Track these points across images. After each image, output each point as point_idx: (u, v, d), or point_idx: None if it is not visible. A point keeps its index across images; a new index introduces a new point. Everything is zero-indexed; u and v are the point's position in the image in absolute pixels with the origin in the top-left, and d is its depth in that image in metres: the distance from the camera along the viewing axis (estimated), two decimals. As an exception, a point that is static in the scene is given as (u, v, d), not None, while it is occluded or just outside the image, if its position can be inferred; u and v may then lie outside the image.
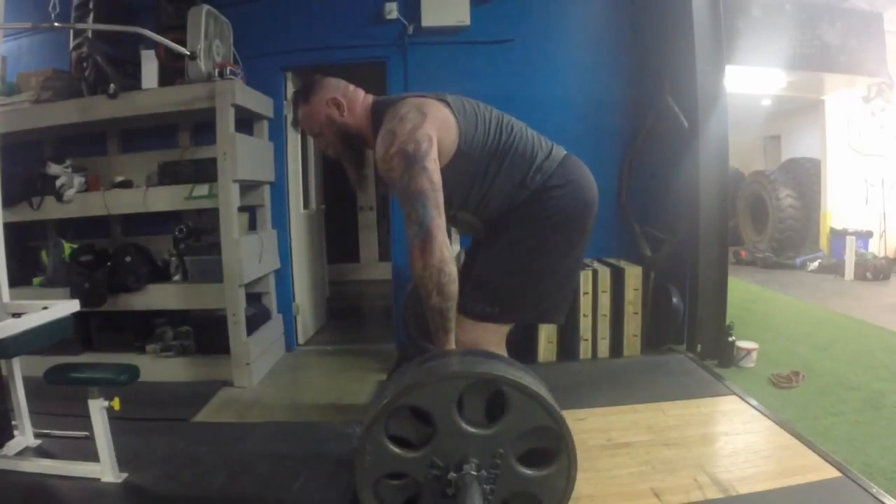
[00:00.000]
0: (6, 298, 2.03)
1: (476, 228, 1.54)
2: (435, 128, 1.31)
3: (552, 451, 1.13)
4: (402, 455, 1.09)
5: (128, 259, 2.89)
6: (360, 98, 1.49)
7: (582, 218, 1.47)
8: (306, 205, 3.84)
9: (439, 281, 1.21)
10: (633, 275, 3.04)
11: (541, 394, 1.09)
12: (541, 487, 1.13)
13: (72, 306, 2.00)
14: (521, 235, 1.44)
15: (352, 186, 1.59)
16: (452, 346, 1.27)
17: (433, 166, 1.27)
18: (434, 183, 1.26)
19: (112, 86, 2.78)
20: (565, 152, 1.51)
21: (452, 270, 1.23)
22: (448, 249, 1.23)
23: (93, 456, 1.85)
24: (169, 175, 2.98)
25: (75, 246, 2.96)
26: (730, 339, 2.94)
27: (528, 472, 1.12)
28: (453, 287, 1.23)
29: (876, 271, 5.22)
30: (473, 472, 1.06)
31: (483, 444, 1.08)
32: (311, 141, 3.96)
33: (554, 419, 1.10)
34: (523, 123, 1.52)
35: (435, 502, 1.10)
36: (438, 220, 1.23)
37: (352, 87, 1.51)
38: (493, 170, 1.41)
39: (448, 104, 1.39)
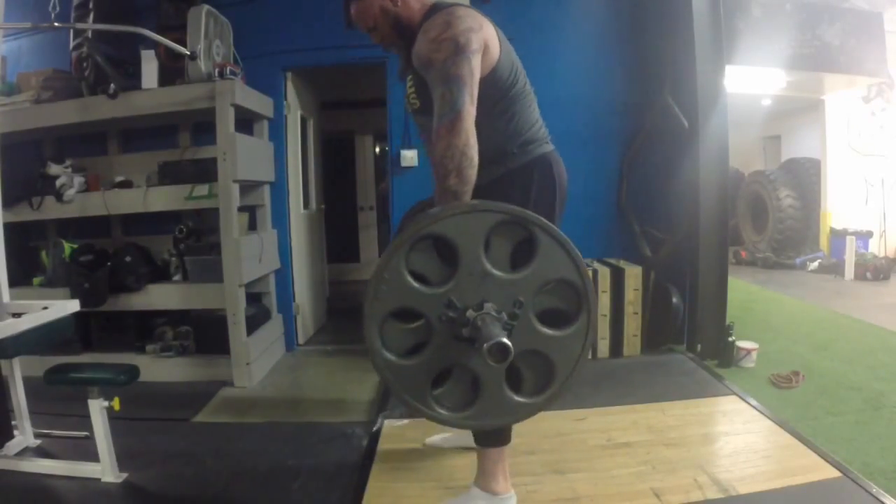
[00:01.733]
0: (6, 298, 2.03)
1: None
2: (484, 40, 1.33)
3: (571, 314, 1.10)
4: (419, 289, 1.05)
5: (128, 259, 2.89)
6: None
7: (550, 208, 1.46)
8: (306, 205, 3.84)
9: (460, 163, 1.20)
10: (633, 275, 3.04)
11: (572, 246, 1.07)
12: (555, 348, 1.10)
13: (72, 306, 2.00)
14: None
15: (399, 76, 1.57)
16: None
17: (477, 63, 1.29)
18: (474, 76, 1.27)
19: (112, 86, 2.78)
20: (553, 149, 1.52)
21: (474, 156, 1.22)
22: (474, 136, 1.23)
23: (93, 456, 1.85)
24: (169, 175, 2.98)
25: (75, 246, 2.96)
26: (730, 339, 2.93)
27: (545, 329, 1.09)
28: (472, 172, 1.22)
29: (876, 271, 5.22)
30: (494, 313, 1.03)
31: (505, 289, 1.05)
32: (310, 141, 3.97)
33: (579, 273, 1.07)
34: (536, 102, 1.54)
35: (445, 346, 1.07)
36: (470, 108, 1.24)
37: None
38: (496, 113, 1.42)
39: (497, 32, 1.41)
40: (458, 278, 1.04)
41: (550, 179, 1.46)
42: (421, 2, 1.46)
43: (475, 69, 1.27)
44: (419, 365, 1.09)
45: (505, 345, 0.94)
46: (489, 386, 1.10)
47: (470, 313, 1.03)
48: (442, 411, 1.11)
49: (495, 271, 1.05)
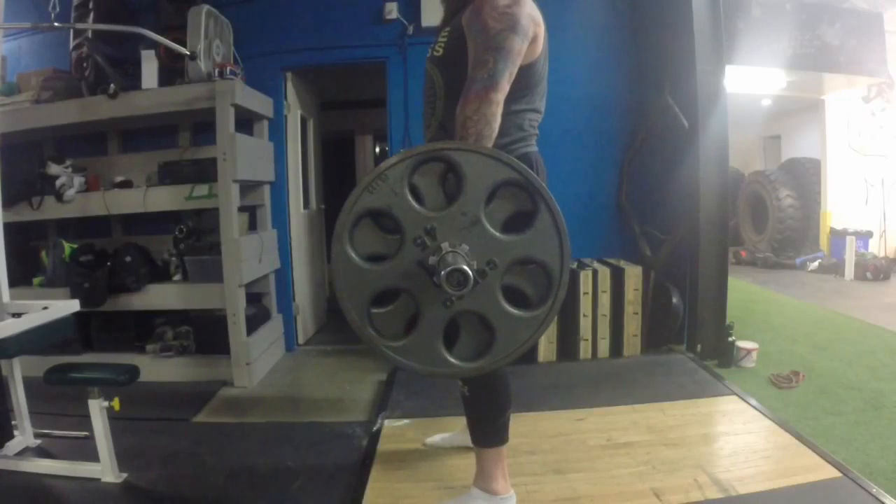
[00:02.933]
0: (6, 298, 2.03)
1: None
2: (536, 33, 1.36)
3: (534, 302, 1.10)
4: (410, 203, 1.04)
5: (128, 259, 2.89)
6: None
7: None
8: (306, 205, 3.84)
9: (482, 131, 1.23)
10: (633, 275, 3.04)
11: (566, 234, 1.08)
12: (503, 325, 1.09)
13: (72, 306, 2.00)
14: None
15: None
16: None
17: (524, 48, 1.32)
18: (519, 56, 1.30)
19: (112, 86, 2.78)
20: (537, 150, 1.53)
21: (496, 128, 1.26)
22: (501, 110, 1.26)
23: (93, 456, 1.85)
24: (169, 175, 2.98)
25: (75, 246, 2.96)
26: (730, 339, 2.93)
27: (504, 303, 1.09)
28: (489, 143, 1.25)
29: (876, 271, 5.22)
30: (466, 257, 1.03)
31: (486, 244, 1.06)
32: (310, 141, 3.97)
33: (562, 264, 1.08)
34: (541, 115, 1.55)
35: (406, 269, 1.07)
36: (505, 84, 1.27)
37: None
38: (510, 104, 1.40)
39: (546, 35, 1.43)
40: (449, 212, 1.05)
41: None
42: None
43: (522, 52, 1.31)
44: (373, 272, 1.08)
45: (465, 272, 0.95)
46: (424, 328, 1.09)
47: (445, 245, 1.04)
48: (370, 330, 1.11)
49: (486, 223, 1.05)
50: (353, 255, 1.07)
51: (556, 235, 1.07)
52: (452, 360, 1.11)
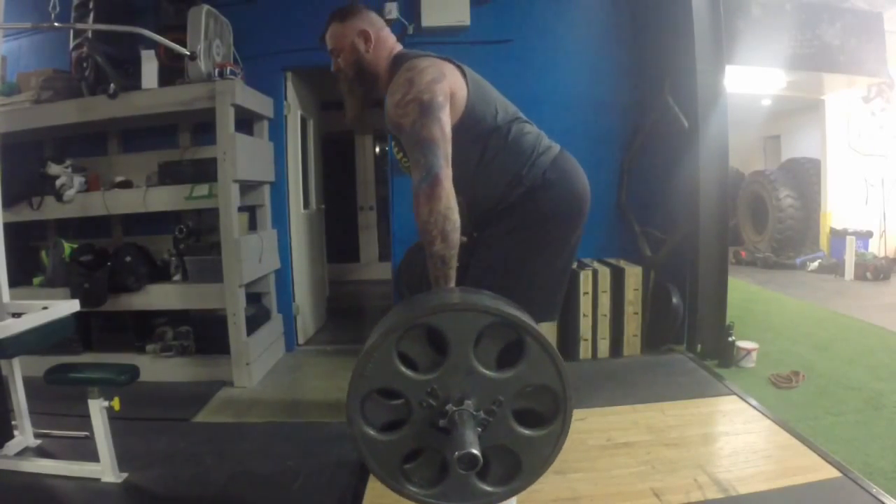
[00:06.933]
0: (6, 298, 2.03)
1: (461, 212, 1.54)
2: (449, 87, 1.33)
3: (547, 417, 1.12)
4: (405, 373, 1.07)
5: (128, 259, 2.89)
6: (390, 43, 1.50)
7: (573, 215, 1.46)
8: (306, 205, 3.84)
9: (444, 228, 1.22)
10: (633, 275, 3.04)
11: (558, 355, 1.09)
12: (525, 448, 1.13)
13: (72, 306, 2.00)
14: (514, 233, 1.44)
15: (348, 122, 1.61)
16: None
17: (446, 119, 1.28)
18: (445, 134, 1.27)
19: (112, 86, 2.78)
20: (559, 148, 1.50)
21: (457, 218, 1.24)
22: (454, 198, 1.24)
23: (93, 456, 1.85)
24: (169, 175, 2.98)
25: (75, 246, 2.96)
26: (730, 339, 2.93)
27: (520, 428, 1.11)
28: (456, 235, 1.24)
29: (876, 271, 5.22)
30: (472, 411, 1.06)
31: (487, 386, 1.08)
32: (310, 141, 3.97)
33: (562, 383, 1.09)
34: (528, 120, 1.52)
35: (421, 430, 1.10)
36: (446, 170, 1.24)
37: (388, 30, 1.52)
38: (490, 153, 1.40)
39: (463, 72, 1.40)
40: (444, 369, 1.07)
41: (568, 182, 1.44)
42: (388, 50, 1.48)
43: (445, 126, 1.27)
44: (394, 442, 1.12)
45: (474, 457, 0.97)
46: (457, 472, 1.12)
47: (449, 407, 1.06)
48: (411, 487, 1.15)
49: (481, 368, 1.07)
50: (370, 432, 1.11)
51: (549, 360, 1.09)
52: (490, 489, 1.15)
